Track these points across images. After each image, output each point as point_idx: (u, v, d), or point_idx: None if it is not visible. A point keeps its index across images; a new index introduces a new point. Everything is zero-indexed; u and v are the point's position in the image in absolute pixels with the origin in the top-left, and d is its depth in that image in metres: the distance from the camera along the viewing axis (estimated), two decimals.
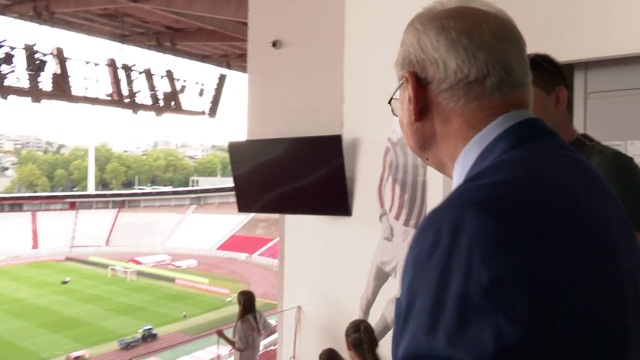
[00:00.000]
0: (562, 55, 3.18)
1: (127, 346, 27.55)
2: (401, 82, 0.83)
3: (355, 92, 4.35)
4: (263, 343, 5.34)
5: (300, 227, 4.81)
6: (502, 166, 0.68)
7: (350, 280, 4.30)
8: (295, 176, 4.55)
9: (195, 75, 16.94)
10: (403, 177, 3.80)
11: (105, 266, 44.33)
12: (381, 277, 4.00)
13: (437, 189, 3.50)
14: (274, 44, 4.89)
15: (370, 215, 4.16)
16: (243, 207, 5.03)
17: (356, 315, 4.24)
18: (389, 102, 0.92)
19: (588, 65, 3.13)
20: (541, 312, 0.55)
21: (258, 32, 5.09)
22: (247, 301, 5.07)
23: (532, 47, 3.43)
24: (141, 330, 28.74)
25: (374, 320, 4.08)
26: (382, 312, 3.96)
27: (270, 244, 47.20)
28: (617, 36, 2.93)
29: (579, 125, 3.27)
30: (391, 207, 3.91)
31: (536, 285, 0.56)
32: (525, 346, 0.54)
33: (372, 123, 4.19)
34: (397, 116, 0.91)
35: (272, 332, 5.57)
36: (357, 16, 4.34)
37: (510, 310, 0.55)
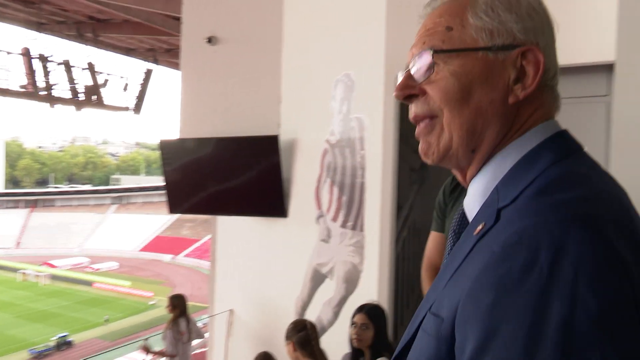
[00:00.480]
0: None
1: (39, 355, 25.80)
2: (503, 47, 0.68)
3: (293, 92, 4.32)
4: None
5: (234, 228, 4.70)
6: (573, 180, 0.62)
7: (285, 283, 4.25)
8: (230, 177, 4.44)
9: (119, 69, 16.19)
10: (341, 179, 3.81)
11: (14, 270, 41.23)
12: (317, 279, 3.99)
13: (375, 191, 3.54)
14: (209, 40, 4.75)
15: (307, 217, 4.14)
16: (174, 207, 4.84)
17: (291, 317, 4.20)
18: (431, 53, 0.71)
19: None
20: None
21: (192, 26, 4.93)
22: (180, 305, 4.88)
23: None
24: (55, 338, 27.00)
25: None
26: (318, 315, 3.95)
27: (196, 245, 46.06)
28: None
29: None
30: (329, 208, 3.91)
31: None
32: None
33: (310, 124, 4.17)
34: (412, 82, 0.73)
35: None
36: (295, 15, 4.31)
37: (620, 341, 0.49)
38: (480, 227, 0.64)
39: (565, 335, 0.50)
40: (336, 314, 3.82)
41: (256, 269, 4.46)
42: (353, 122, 3.74)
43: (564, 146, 0.67)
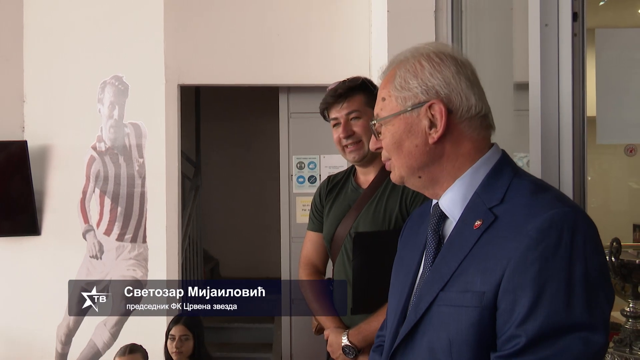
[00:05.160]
0: (269, 79, 3.63)
1: None
2: (414, 107, 0.94)
3: (41, 90, 3.76)
4: None
5: None
6: (542, 183, 0.91)
7: (41, 311, 3.68)
8: None
9: None
10: (115, 189, 3.53)
11: None
12: None
13: (159, 200, 3.41)
14: None
15: (67, 232, 3.68)
16: None
17: (52, 349, 3.68)
18: (373, 124, 1.00)
19: (290, 89, 3.67)
20: None
21: None
22: None
23: (247, 72, 3.81)
24: None
25: (78, 350, 3.64)
26: (90, 338, 3.57)
27: None
28: (311, 68, 3.54)
29: (283, 140, 3.78)
30: (99, 222, 3.57)
31: None
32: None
33: (67, 128, 3.71)
34: (378, 138, 1.00)
35: None
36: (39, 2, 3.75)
37: (610, 282, 0.81)
38: (479, 222, 0.88)
39: (586, 283, 0.78)
40: (114, 335, 3.53)
41: None
42: (128, 128, 3.52)
43: (511, 162, 0.97)
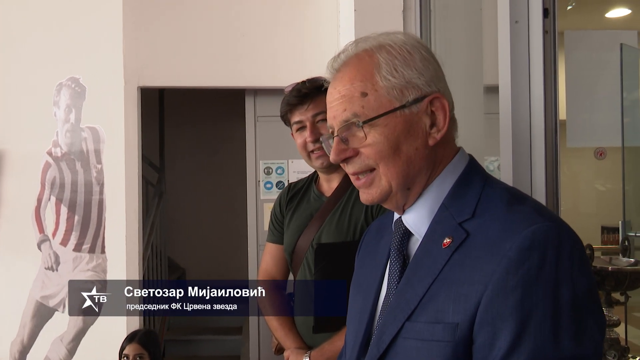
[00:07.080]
0: (235, 81, 3.51)
1: None
2: (415, 101, 0.79)
3: None
4: None
5: None
6: (517, 193, 0.78)
7: None
8: None
9: None
10: (72, 197, 3.34)
11: None
12: (43, 315, 3.41)
13: (119, 208, 3.24)
14: None
15: (21, 243, 3.48)
16: None
17: None
18: (355, 125, 0.81)
19: (256, 92, 3.55)
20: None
21: None
22: None
23: (211, 73, 3.66)
24: None
25: None
26: (46, 355, 3.37)
27: None
28: (279, 70, 3.43)
29: (250, 144, 3.66)
30: (55, 231, 3.38)
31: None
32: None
33: (20, 133, 3.51)
34: (345, 146, 0.82)
35: None
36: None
37: (599, 305, 0.70)
38: (448, 240, 0.76)
39: (575, 309, 0.67)
40: (71, 351, 3.34)
41: None
42: (85, 132, 3.34)
43: (480, 169, 0.85)
